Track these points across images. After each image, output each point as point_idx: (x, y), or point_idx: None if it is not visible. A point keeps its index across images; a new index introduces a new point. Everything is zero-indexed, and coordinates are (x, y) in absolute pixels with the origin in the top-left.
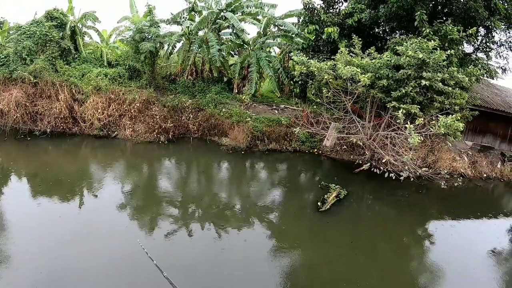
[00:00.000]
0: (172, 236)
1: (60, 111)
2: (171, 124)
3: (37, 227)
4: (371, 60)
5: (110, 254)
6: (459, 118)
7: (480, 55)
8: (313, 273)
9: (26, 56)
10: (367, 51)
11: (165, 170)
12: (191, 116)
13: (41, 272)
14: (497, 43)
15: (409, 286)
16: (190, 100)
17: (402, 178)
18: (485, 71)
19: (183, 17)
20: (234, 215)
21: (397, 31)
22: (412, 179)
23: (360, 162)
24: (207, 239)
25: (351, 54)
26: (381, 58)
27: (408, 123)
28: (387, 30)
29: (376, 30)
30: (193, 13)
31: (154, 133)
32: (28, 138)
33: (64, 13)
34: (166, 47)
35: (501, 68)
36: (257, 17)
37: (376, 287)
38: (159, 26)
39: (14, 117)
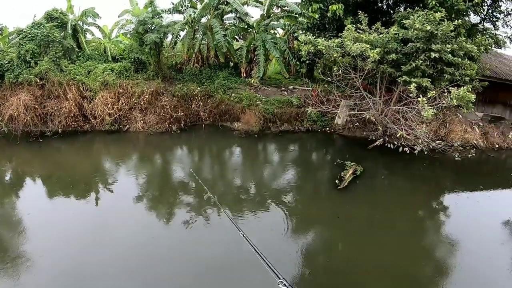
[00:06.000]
0: (189, 223)
1: (69, 110)
2: (182, 113)
3: (55, 227)
4: (379, 35)
5: (126, 248)
6: (470, 89)
7: (487, 25)
8: (332, 251)
9: (30, 59)
10: (374, 26)
11: (180, 158)
12: (201, 103)
13: (63, 268)
14: (503, 12)
15: (425, 259)
16: (198, 88)
17: (416, 152)
18: (493, 40)
19: (185, 5)
20: (251, 198)
21: (401, 5)
22: (425, 152)
23: (373, 138)
24: (224, 223)
25: (358, 30)
26: (388, 33)
27: (421, 96)
28: (391, 4)
29: (380, 4)
30: (194, 0)
31: (166, 123)
32: (40, 140)
33: (64, 12)
34: (170, 36)
35: (509, 37)
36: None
37: (393, 262)
38: (161, 16)
39: (24, 120)
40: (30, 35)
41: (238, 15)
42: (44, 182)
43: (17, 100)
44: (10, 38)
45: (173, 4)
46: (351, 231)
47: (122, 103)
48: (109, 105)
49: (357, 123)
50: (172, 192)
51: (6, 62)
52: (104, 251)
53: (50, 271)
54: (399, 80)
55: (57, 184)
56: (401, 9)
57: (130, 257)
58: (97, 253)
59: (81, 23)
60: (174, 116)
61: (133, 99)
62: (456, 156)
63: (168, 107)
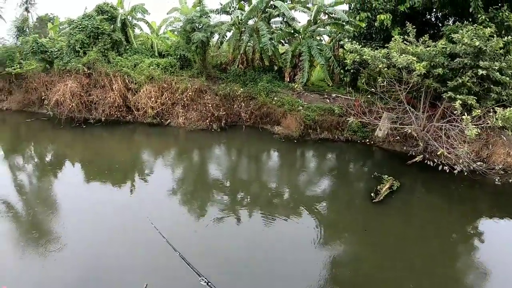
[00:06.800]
0: (220, 222)
1: (114, 100)
2: (224, 112)
3: (89, 211)
4: (426, 48)
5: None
6: None
7: None
8: (359, 265)
9: (79, 49)
10: (421, 38)
11: (218, 157)
12: (243, 104)
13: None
14: None
15: (454, 282)
16: (241, 89)
17: (456, 171)
18: None
19: (233, 7)
20: (283, 203)
21: (450, 18)
22: (465, 173)
23: (413, 154)
24: (256, 225)
25: (405, 42)
26: (436, 46)
27: (465, 114)
28: (440, 16)
29: (428, 16)
30: (242, 2)
31: (207, 121)
32: (83, 126)
33: (114, 7)
34: (216, 36)
35: None
36: (307, 5)
37: (422, 281)
38: (209, 16)
39: (70, 106)
40: (80, 26)
41: (285, 20)
42: (82, 166)
43: (64, 87)
44: (60, 27)
45: (221, 4)
46: (381, 246)
47: (166, 98)
48: (153, 99)
49: (398, 137)
50: (206, 190)
51: (56, 50)
52: (131, 237)
53: (76, 251)
54: (444, 96)
55: (95, 169)
56: (450, 22)
57: (151, 243)
58: (122, 239)
59: (130, 18)
60: (216, 115)
61: (177, 95)
62: (497, 180)
63: (210, 105)
